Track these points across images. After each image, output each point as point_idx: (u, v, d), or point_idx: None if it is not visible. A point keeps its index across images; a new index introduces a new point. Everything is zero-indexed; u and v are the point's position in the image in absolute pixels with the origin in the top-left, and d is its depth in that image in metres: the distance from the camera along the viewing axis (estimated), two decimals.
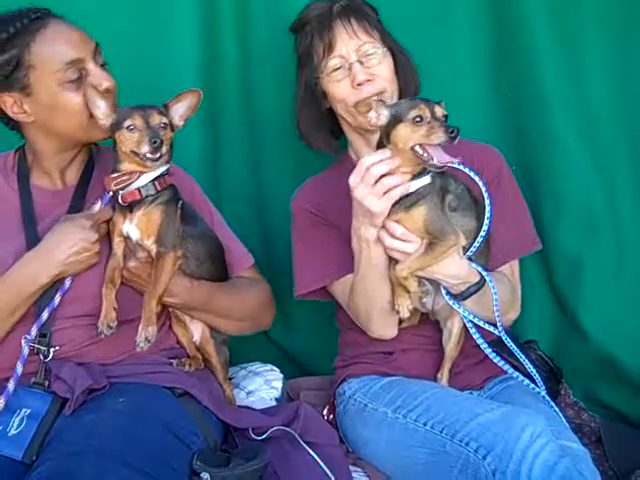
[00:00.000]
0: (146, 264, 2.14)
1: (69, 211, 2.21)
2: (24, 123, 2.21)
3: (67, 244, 2.08)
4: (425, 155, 2.01)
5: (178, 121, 2.14)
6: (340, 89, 2.34)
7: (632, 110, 2.67)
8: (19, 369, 2.06)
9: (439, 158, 2.01)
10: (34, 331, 2.09)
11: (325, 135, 2.52)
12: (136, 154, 2.06)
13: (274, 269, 2.84)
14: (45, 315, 2.10)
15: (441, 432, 2.03)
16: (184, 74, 2.77)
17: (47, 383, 2.09)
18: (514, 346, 2.25)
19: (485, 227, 2.15)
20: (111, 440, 1.85)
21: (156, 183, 2.11)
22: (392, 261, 2.20)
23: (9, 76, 2.12)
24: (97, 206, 2.17)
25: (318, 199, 2.46)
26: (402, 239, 2.12)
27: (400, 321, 2.33)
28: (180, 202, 2.17)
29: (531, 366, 2.27)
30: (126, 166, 2.11)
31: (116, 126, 2.08)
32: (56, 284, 2.12)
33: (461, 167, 2.11)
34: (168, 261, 2.10)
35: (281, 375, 2.62)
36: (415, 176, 2.09)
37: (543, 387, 2.27)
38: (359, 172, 2.09)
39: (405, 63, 2.40)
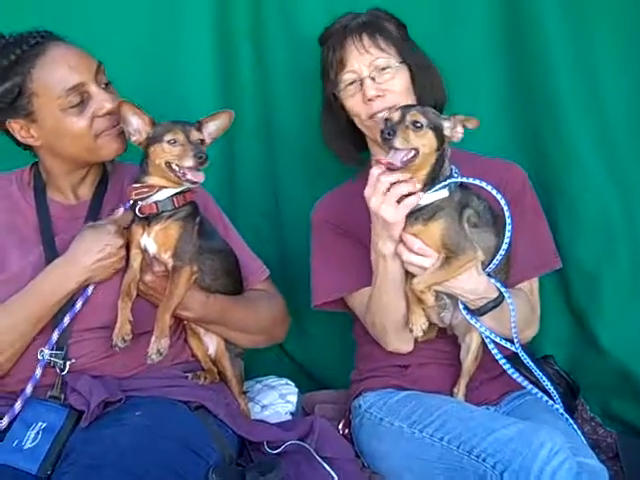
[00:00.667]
0: (162, 278, 2.14)
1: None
2: (34, 148, 2.25)
3: (94, 250, 2.11)
4: None
5: (208, 139, 2.16)
6: (354, 103, 2.37)
7: None
8: (29, 389, 2.09)
9: None
10: (55, 336, 2.11)
11: (347, 147, 2.53)
12: (170, 168, 2.07)
13: (290, 282, 2.83)
14: (67, 320, 2.12)
15: (458, 448, 2.02)
16: (200, 88, 2.78)
17: (63, 397, 2.10)
18: (530, 362, 2.25)
19: (505, 244, 2.16)
20: (129, 455, 1.85)
21: (174, 199, 2.13)
22: (409, 275, 2.20)
23: (13, 103, 2.14)
24: (120, 211, 2.20)
25: (339, 212, 2.46)
26: (419, 253, 2.13)
27: None
28: (198, 218, 2.18)
29: (548, 382, 2.26)
30: (153, 180, 2.12)
31: (153, 139, 2.10)
32: (75, 293, 2.14)
33: (483, 184, 2.13)
34: (184, 275, 2.11)
35: (296, 389, 2.61)
36: (428, 187, 2.10)
37: (560, 403, 2.25)
38: (371, 183, 2.11)
39: (425, 77, 2.39)
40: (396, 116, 2.07)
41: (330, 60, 2.38)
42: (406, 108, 2.10)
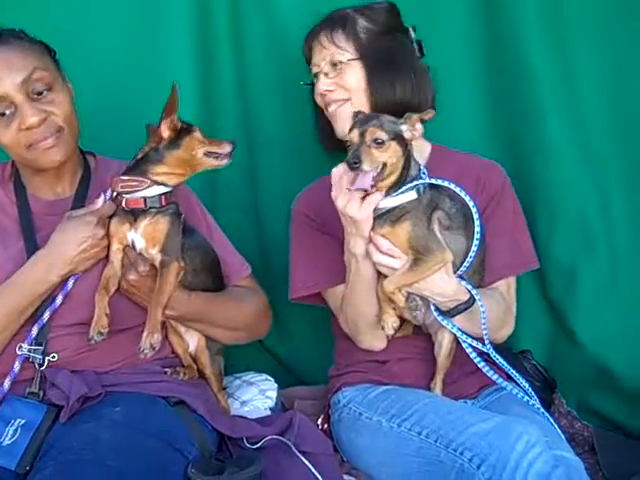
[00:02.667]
0: (147, 278, 2.13)
1: None
2: None
3: (76, 242, 2.09)
4: None
5: None
6: (317, 96, 2.46)
7: (627, 119, 2.67)
8: (6, 384, 2.08)
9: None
10: (34, 331, 2.09)
11: (334, 139, 2.52)
12: (211, 154, 2.13)
13: (270, 277, 2.83)
14: (47, 315, 2.10)
15: (435, 441, 2.03)
16: (179, 85, 2.69)
17: (42, 393, 2.09)
18: (503, 361, 2.26)
19: (475, 247, 2.17)
20: (109, 450, 1.84)
21: (162, 198, 2.13)
22: (380, 276, 2.22)
23: None
24: (100, 201, 2.17)
25: (319, 205, 2.46)
26: (388, 254, 2.15)
27: (393, 332, 2.32)
28: (182, 215, 2.20)
29: (522, 380, 2.28)
30: (163, 168, 2.12)
31: (185, 131, 2.12)
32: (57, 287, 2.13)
33: (452, 186, 2.13)
34: (173, 270, 2.11)
35: (275, 385, 2.60)
36: (394, 190, 2.11)
37: (535, 397, 2.27)
38: (334, 183, 2.14)
39: (381, 74, 2.36)
40: (355, 137, 2.06)
41: (304, 56, 2.48)
42: (362, 126, 2.07)
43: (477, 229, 2.15)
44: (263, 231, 2.96)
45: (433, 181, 2.15)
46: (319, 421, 2.48)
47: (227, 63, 2.85)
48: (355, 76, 2.36)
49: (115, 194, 2.15)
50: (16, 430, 2.00)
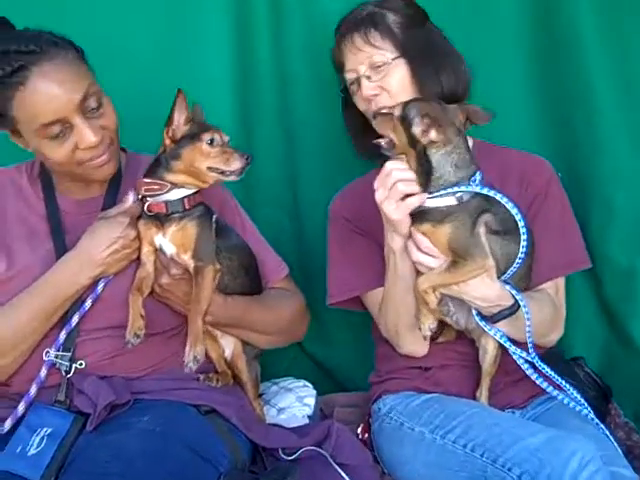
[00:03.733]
0: (180, 281, 2.06)
1: None
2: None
3: (107, 243, 2.03)
4: None
5: None
6: (358, 101, 2.32)
7: None
8: (32, 391, 2.01)
9: None
10: (62, 336, 2.03)
11: (366, 141, 2.39)
12: (211, 170, 2.01)
13: (309, 278, 2.74)
14: (75, 319, 2.03)
15: (482, 456, 1.92)
16: (217, 80, 2.69)
17: (69, 401, 2.02)
18: (549, 370, 2.14)
19: (521, 254, 2.06)
20: (136, 462, 1.77)
21: (185, 201, 2.05)
22: (418, 275, 2.12)
23: None
24: (130, 199, 2.09)
25: (356, 206, 2.37)
26: (427, 252, 2.06)
27: (435, 337, 2.23)
28: (214, 216, 2.11)
29: (571, 388, 2.14)
30: (175, 177, 2.03)
31: (189, 138, 2.02)
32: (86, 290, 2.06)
33: (498, 196, 2.03)
34: (208, 275, 2.02)
35: (314, 391, 2.53)
36: (432, 192, 2.03)
37: (588, 408, 2.14)
38: (382, 175, 2.06)
39: (430, 66, 2.25)
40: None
41: (334, 61, 2.36)
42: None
43: (523, 237, 2.04)
44: (302, 229, 2.87)
45: (477, 189, 2.02)
46: (359, 430, 2.39)
47: (266, 57, 2.76)
48: (399, 75, 2.24)
49: (140, 196, 2.08)
50: (42, 439, 1.93)
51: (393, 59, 2.22)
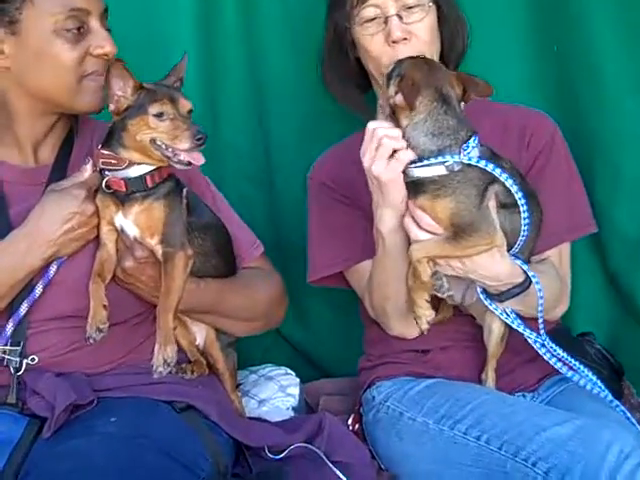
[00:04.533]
0: (146, 265, 1.83)
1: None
2: None
3: (61, 219, 1.81)
4: None
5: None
6: (373, 45, 2.08)
7: None
8: None
9: None
10: (10, 327, 1.81)
11: (351, 89, 2.27)
12: (157, 146, 1.74)
13: (285, 256, 2.56)
14: (24, 308, 1.81)
15: (499, 449, 1.74)
16: (180, 35, 2.46)
17: (21, 404, 1.80)
18: (562, 352, 1.96)
19: (525, 227, 1.88)
20: (105, 473, 1.57)
21: (147, 178, 1.80)
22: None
23: None
24: (87, 170, 1.85)
25: (340, 172, 2.19)
26: (428, 230, 1.87)
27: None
28: (185, 191, 1.87)
29: (585, 370, 1.96)
30: (129, 154, 1.79)
31: (135, 110, 1.75)
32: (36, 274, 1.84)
33: (489, 168, 1.84)
34: (179, 263, 1.80)
35: (297, 379, 2.34)
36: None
37: (606, 390, 1.96)
38: (367, 138, 1.89)
39: (454, 20, 2.14)
40: None
41: None
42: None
43: (524, 215, 1.87)
44: (277, 204, 2.68)
45: (465, 160, 1.83)
46: (349, 421, 2.19)
47: (232, 17, 2.54)
48: (431, 22, 2.08)
49: (98, 169, 1.84)
50: None
51: (430, 4, 2.05)
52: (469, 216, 1.83)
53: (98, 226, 1.85)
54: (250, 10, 2.53)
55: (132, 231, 1.82)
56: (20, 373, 1.81)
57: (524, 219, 1.87)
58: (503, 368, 2.06)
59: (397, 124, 1.85)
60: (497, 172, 1.83)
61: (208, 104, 2.50)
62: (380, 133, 1.85)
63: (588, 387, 1.95)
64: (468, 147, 1.83)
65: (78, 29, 1.84)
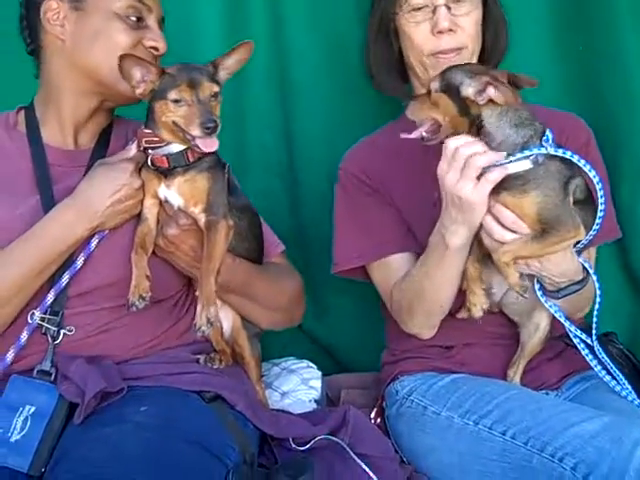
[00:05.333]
0: (189, 232, 1.83)
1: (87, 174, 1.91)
2: (49, 47, 1.94)
3: (109, 191, 1.83)
4: None
5: (223, 76, 1.86)
6: (417, 33, 2.06)
7: None
8: (9, 356, 1.81)
9: None
10: (51, 296, 1.81)
11: (395, 78, 2.24)
12: (179, 128, 1.76)
13: (306, 250, 2.57)
14: (65, 279, 1.82)
15: (526, 444, 1.73)
16: (208, 30, 2.48)
17: (54, 373, 1.80)
18: (605, 356, 1.97)
19: (597, 225, 1.87)
20: (137, 462, 1.56)
21: (188, 153, 1.81)
22: (474, 245, 1.92)
23: None
24: (133, 148, 1.88)
25: (368, 164, 2.17)
26: (512, 229, 1.81)
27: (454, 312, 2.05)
28: (227, 166, 1.88)
29: (617, 371, 1.97)
30: (164, 135, 1.81)
31: (158, 94, 1.78)
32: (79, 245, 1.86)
33: (575, 158, 1.82)
34: (222, 231, 1.81)
35: (319, 373, 2.33)
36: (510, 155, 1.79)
37: (629, 389, 1.95)
38: (446, 156, 1.81)
39: (498, 19, 2.13)
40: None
41: None
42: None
43: (601, 207, 1.85)
44: (299, 198, 2.65)
45: (551, 151, 1.80)
46: (372, 415, 2.19)
47: (260, 9, 2.54)
48: (477, 18, 2.07)
49: (142, 148, 1.86)
50: (26, 420, 1.73)
51: None
52: (555, 210, 1.79)
53: (141, 202, 1.87)
54: (277, 6, 2.52)
55: (176, 201, 1.84)
56: (57, 342, 1.81)
57: (600, 211, 1.85)
58: (527, 365, 2.05)
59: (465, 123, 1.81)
60: (582, 163, 1.81)
61: (235, 98, 2.48)
62: (465, 152, 1.77)
63: (612, 384, 1.93)
64: (548, 139, 1.81)
65: (138, 19, 1.91)
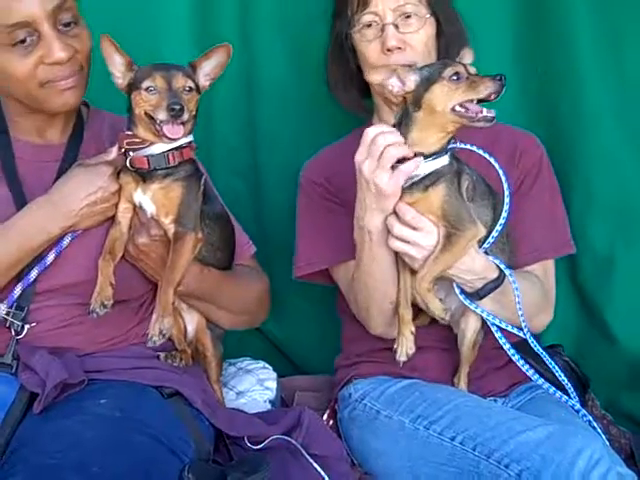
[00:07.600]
0: (159, 243, 1.87)
1: (60, 170, 1.93)
2: None
3: (85, 192, 1.85)
4: (469, 112, 1.79)
5: (204, 81, 1.89)
6: (370, 51, 2.10)
7: None
8: None
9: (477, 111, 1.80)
10: (17, 291, 1.83)
11: (353, 94, 2.28)
12: (152, 120, 1.79)
13: (268, 251, 2.55)
14: (34, 274, 1.84)
15: (474, 450, 1.78)
16: (174, 32, 2.49)
17: (15, 365, 1.83)
18: (543, 352, 2.01)
19: (503, 220, 1.93)
20: (93, 453, 1.58)
21: (169, 155, 1.84)
22: (404, 270, 1.97)
23: None
24: (113, 152, 1.89)
25: (331, 172, 2.22)
26: (412, 225, 1.87)
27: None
28: (203, 178, 1.92)
29: (562, 374, 2.02)
30: (140, 132, 1.84)
31: (134, 85, 1.81)
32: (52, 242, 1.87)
33: (487, 155, 1.91)
34: (188, 244, 1.85)
35: (275, 374, 2.35)
36: (428, 156, 1.84)
37: (576, 398, 2.02)
38: (365, 144, 1.86)
39: (452, 35, 2.15)
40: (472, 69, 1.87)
41: None
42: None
43: (506, 199, 1.92)
44: (263, 200, 2.68)
45: (468, 147, 1.90)
46: (324, 417, 2.22)
47: (230, 14, 2.55)
48: (428, 34, 2.10)
49: (123, 150, 1.88)
50: None
51: (427, 15, 2.08)
52: (457, 206, 1.85)
53: (116, 205, 1.89)
54: (246, 11, 2.53)
55: (149, 208, 1.86)
56: (20, 337, 1.83)
57: (506, 204, 1.91)
58: (474, 373, 2.09)
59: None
60: (493, 160, 1.89)
61: (203, 100, 2.43)
62: (382, 142, 1.82)
63: (557, 395, 1.98)
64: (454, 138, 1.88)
65: (22, 41, 1.80)
